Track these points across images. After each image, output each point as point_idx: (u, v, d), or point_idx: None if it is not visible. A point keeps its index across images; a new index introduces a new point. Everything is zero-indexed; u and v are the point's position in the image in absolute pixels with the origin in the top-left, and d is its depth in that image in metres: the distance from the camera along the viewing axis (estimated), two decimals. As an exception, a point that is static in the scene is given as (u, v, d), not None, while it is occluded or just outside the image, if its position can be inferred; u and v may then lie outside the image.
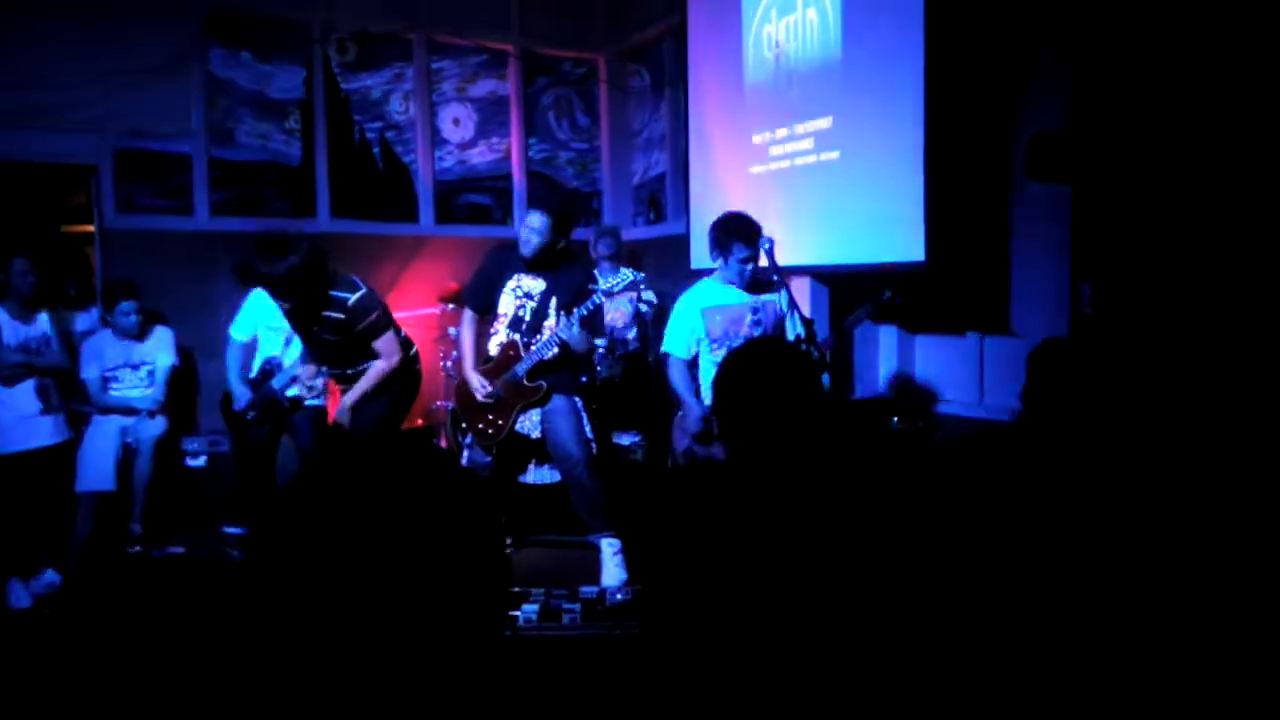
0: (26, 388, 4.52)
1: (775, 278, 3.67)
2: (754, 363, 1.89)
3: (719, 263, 3.77)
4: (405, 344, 4.16)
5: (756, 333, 3.71)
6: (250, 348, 4.82)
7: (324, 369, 4.25)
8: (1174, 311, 3.66)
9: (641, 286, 5.53)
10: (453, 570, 0.84)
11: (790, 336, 3.73)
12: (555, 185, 7.21)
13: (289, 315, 4.03)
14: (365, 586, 0.80)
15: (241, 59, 6.09)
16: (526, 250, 3.85)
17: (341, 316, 3.85)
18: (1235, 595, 1.74)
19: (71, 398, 4.75)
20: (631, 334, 5.67)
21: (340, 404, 4.05)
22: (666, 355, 3.84)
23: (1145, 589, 1.74)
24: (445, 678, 0.82)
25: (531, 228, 3.83)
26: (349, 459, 0.89)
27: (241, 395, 4.63)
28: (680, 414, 3.80)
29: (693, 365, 3.81)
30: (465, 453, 4.29)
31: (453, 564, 0.84)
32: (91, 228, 5.86)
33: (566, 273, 3.92)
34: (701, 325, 3.74)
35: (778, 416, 1.81)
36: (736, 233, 3.69)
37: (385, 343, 3.95)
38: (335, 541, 0.82)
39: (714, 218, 3.86)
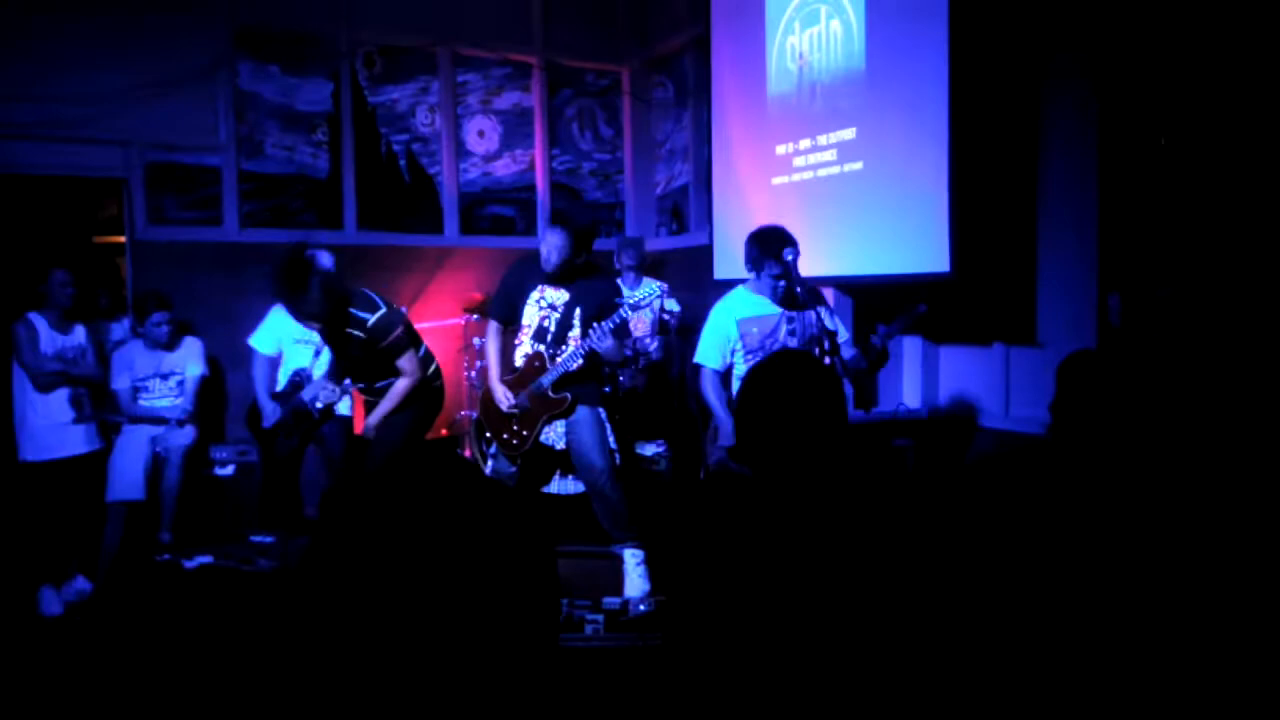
0: (60, 397, 4.60)
1: (799, 290, 3.64)
2: (776, 378, 1.88)
3: (752, 275, 3.75)
4: (426, 358, 4.20)
5: (793, 343, 3.69)
6: (276, 361, 4.87)
7: (347, 382, 4.30)
8: (1204, 322, 3.63)
9: (665, 297, 5.54)
10: (505, 583, 0.85)
11: (840, 338, 3.69)
12: (578, 196, 7.25)
13: (321, 335, 4.11)
14: (416, 601, 0.81)
15: (269, 72, 6.18)
16: (548, 266, 3.87)
17: (362, 335, 3.91)
18: (1272, 607, 1.72)
19: (103, 408, 4.83)
20: (654, 344, 5.68)
21: (365, 424, 4.10)
22: (699, 366, 3.83)
23: (1176, 604, 1.72)
24: (492, 690, 0.82)
25: (551, 245, 3.85)
26: (388, 475, 0.90)
27: (270, 412, 4.68)
28: (714, 425, 3.78)
29: (726, 375, 3.80)
30: (490, 463, 4.31)
31: (505, 577, 0.85)
32: (123, 239, 5.96)
33: (589, 284, 3.94)
34: (737, 336, 3.72)
35: (799, 432, 1.81)
36: (769, 250, 3.65)
37: (407, 360, 4.00)
38: (384, 556, 0.83)
39: (737, 229, 3.86)
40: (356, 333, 3.90)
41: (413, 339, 4.12)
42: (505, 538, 0.87)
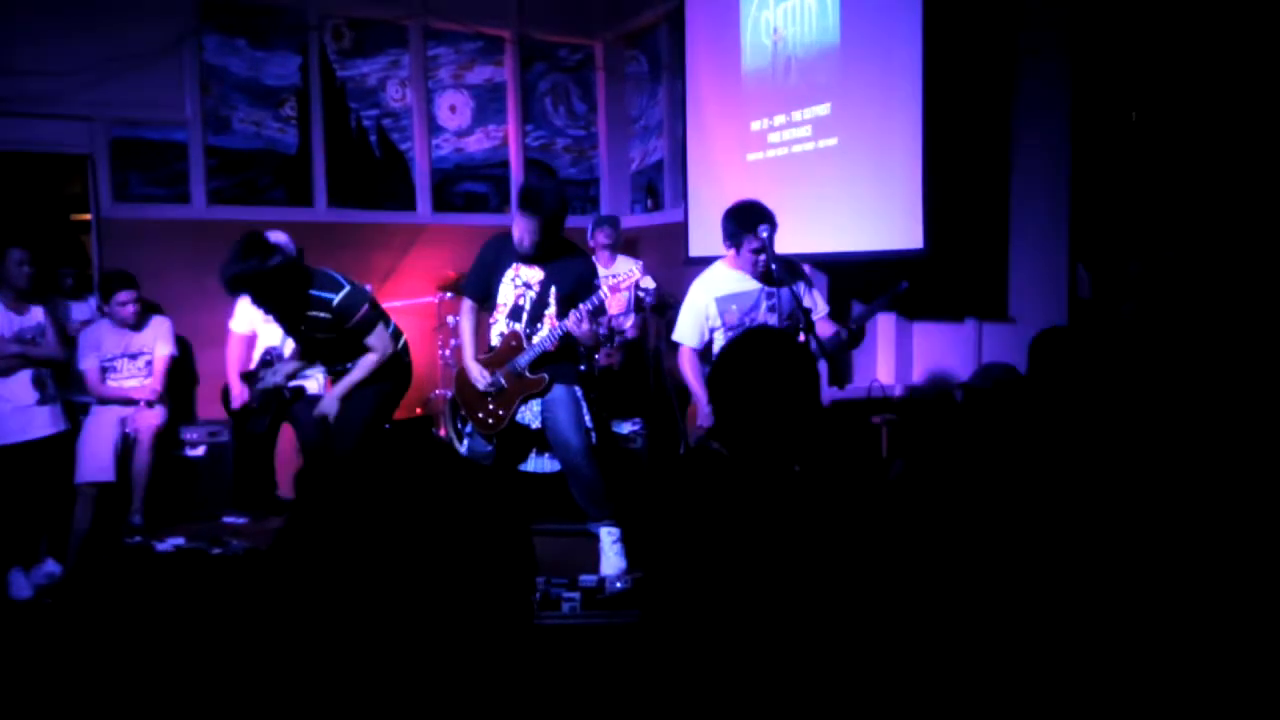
0: (23, 378, 4.51)
1: (774, 267, 3.64)
2: (749, 355, 1.88)
3: (731, 251, 3.73)
4: (395, 334, 4.15)
5: (773, 320, 3.68)
6: (250, 341, 4.83)
7: (318, 365, 4.25)
8: (1176, 297, 3.66)
9: (639, 275, 5.52)
10: (480, 562, 0.84)
11: (815, 313, 3.69)
12: (553, 174, 7.20)
13: (277, 319, 4.01)
14: (390, 580, 0.80)
15: (236, 45, 6.06)
16: (521, 249, 3.83)
17: (328, 316, 3.83)
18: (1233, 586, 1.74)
19: (68, 388, 4.75)
20: (629, 322, 5.66)
21: (328, 394, 4.03)
22: (678, 345, 3.82)
23: (1146, 586, 1.75)
24: (466, 670, 0.82)
25: (523, 228, 3.80)
26: (361, 454, 0.89)
27: (239, 394, 4.65)
28: (693, 406, 3.77)
29: (706, 353, 3.78)
30: (465, 442, 4.29)
31: (480, 556, 0.84)
32: (88, 216, 5.84)
33: (564, 261, 3.91)
34: (716, 313, 3.70)
35: (772, 410, 1.81)
36: (748, 224, 3.63)
37: (376, 337, 3.95)
38: (359, 536, 0.82)
39: (712, 205, 3.83)
40: (320, 314, 3.83)
41: (380, 315, 4.06)
42: (481, 516, 0.87)
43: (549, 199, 3.75)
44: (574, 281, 3.84)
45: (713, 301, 3.71)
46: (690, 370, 3.75)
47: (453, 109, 6.85)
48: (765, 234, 3.58)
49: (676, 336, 3.82)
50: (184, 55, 5.85)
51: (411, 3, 6.55)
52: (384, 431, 4.10)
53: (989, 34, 4.46)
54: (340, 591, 0.80)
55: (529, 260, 3.88)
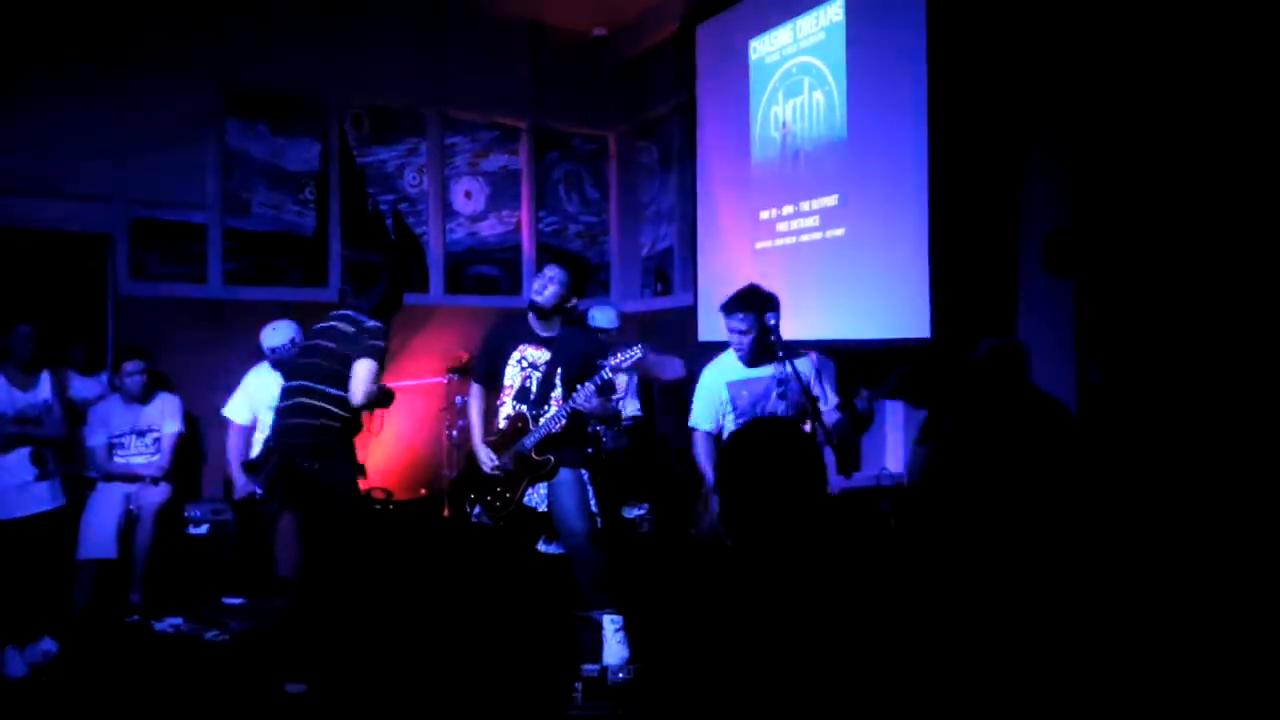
0: (21, 455, 4.50)
1: (780, 353, 3.65)
2: (754, 446, 1.87)
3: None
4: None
5: (781, 407, 3.68)
6: (249, 431, 4.82)
7: None
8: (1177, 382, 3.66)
9: (640, 355, 5.55)
10: (521, 649, 0.84)
11: (823, 403, 3.69)
12: (571, 256, 7.31)
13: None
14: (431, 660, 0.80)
15: (258, 131, 6.24)
16: (542, 298, 3.86)
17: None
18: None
19: (70, 463, 4.73)
20: (631, 407, 5.65)
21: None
22: (693, 430, 3.81)
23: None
24: None
25: (549, 276, 3.86)
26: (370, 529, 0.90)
27: (242, 486, 4.63)
28: (704, 493, 3.74)
29: (719, 438, 3.77)
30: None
31: (521, 642, 0.84)
32: (106, 294, 5.92)
33: (570, 341, 3.93)
34: (728, 397, 3.71)
35: (777, 501, 1.80)
36: (731, 305, 3.67)
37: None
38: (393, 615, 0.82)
39: (721, 291, 3.85)
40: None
41: None
42: (525, 602, 0.87)
43: (576, 258, 3.88)
44: (579, 361, 3.86)
45: (724, 386, 3.71)
46: (704, 457, 3.72)
47: (468, 195, 7.00)
48: (772, 321, 3.60)
49: (692, 422, 3.81)
50: (206, 140, 6.02)
51: (430, 93, 6.76)
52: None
53: (995, 129, 4.56)
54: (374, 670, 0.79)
55: (536, 339, 3.91)
